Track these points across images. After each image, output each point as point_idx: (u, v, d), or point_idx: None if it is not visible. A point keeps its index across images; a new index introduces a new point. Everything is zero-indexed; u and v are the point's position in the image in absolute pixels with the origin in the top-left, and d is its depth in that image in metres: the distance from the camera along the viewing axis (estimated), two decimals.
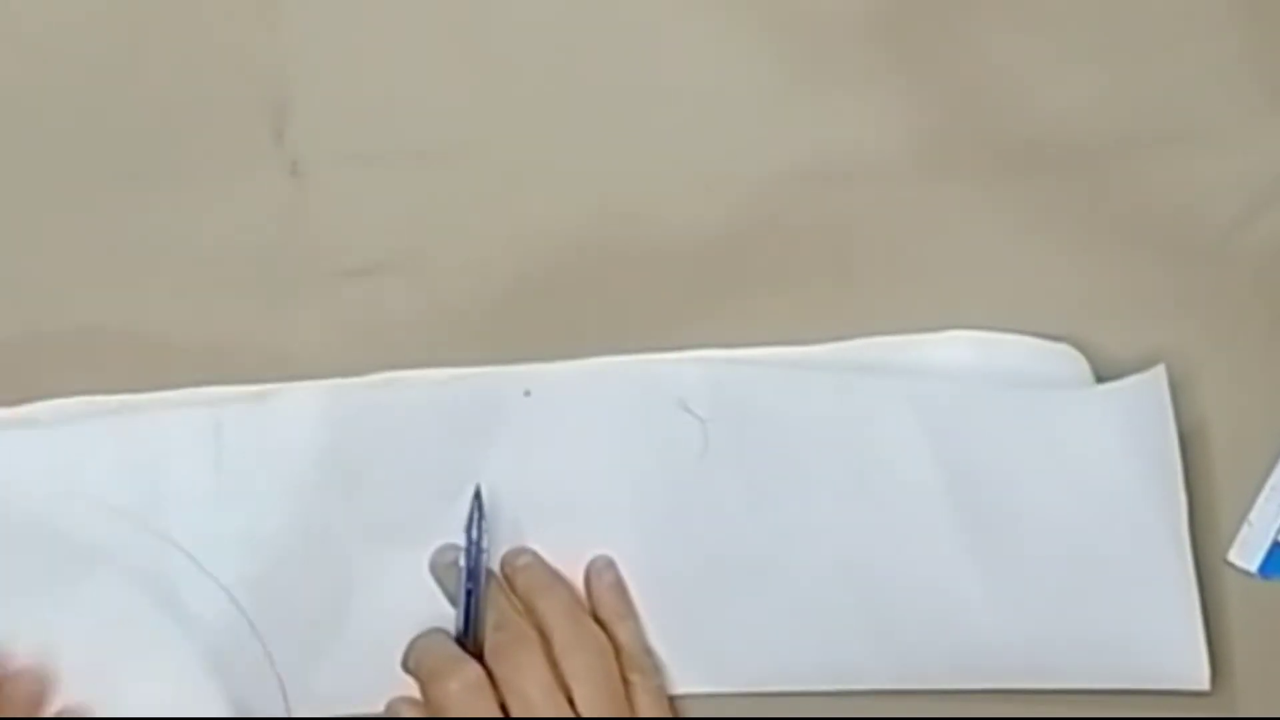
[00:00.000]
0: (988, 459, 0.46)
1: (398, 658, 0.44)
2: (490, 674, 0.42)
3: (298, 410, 0.47)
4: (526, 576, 0.45)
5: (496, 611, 0.44)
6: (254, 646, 0.45)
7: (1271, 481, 0.47)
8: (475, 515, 0.45)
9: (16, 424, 0.48)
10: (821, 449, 0.47)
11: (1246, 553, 0.46)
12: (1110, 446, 0.46)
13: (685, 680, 0.45)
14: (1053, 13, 0.52)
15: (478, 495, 0.45)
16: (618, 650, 0.44)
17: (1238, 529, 0.47)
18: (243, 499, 0.47)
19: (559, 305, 0.50)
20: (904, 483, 0.46)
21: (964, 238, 0.51)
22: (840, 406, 0.47)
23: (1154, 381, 0.46)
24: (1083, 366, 0.48)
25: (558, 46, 0.52)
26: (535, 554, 0.46)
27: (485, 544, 0.45)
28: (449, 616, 0.45)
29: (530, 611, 0.44)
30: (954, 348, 0.49)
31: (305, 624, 0.46)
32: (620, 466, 0.47)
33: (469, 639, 0.43)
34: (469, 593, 0.44)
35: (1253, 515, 0.47)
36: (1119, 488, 0.46)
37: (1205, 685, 0.44)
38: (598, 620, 0.45)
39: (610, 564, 0.46)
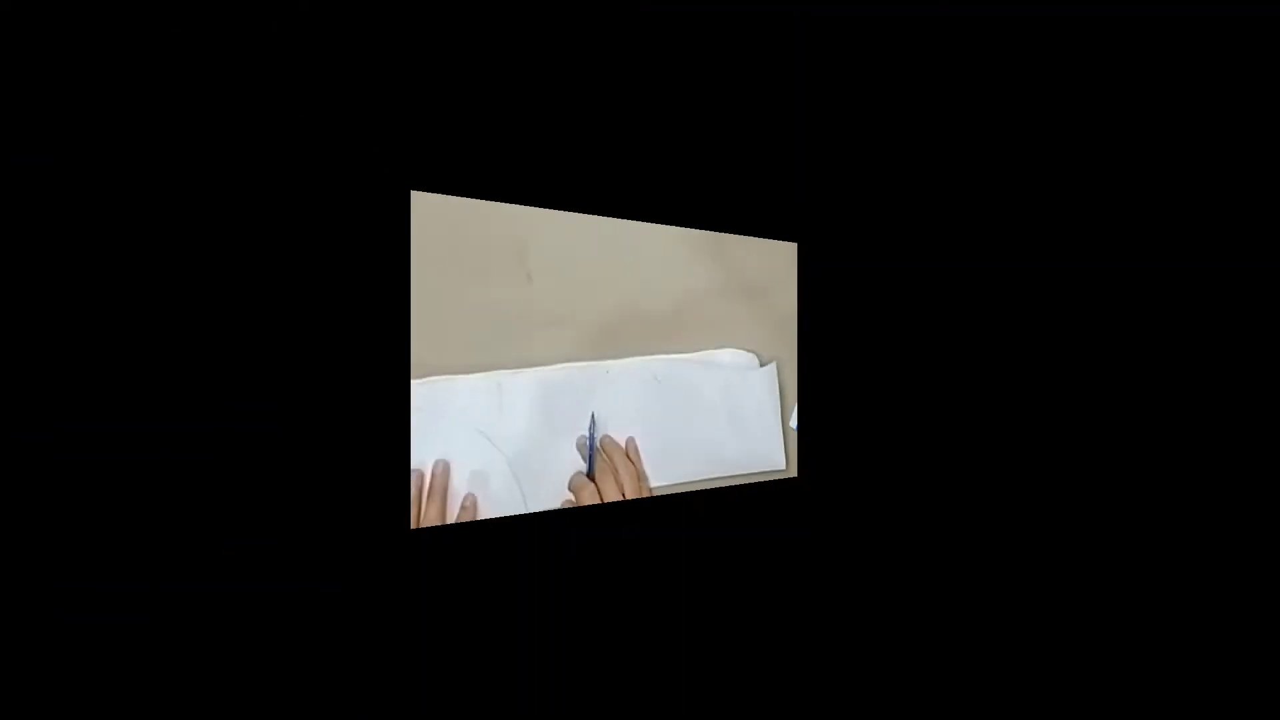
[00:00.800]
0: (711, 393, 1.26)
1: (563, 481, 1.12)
2: (595, 485, 1.12)
3: (525, 384, 1.07)
4: (609, 449, 1.14)
5: (599, 463, 1.13)
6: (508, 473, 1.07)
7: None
8: (591, 424, 1.11)
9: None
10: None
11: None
12: (761, 390, 1.28)
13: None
14: None
15: (593, 417, 1.12)
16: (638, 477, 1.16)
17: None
18: (512, 424, 1.07)
19: None
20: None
21: None
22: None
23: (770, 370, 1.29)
24: (753, 359, 1.28)
25: None
26: (613, 439, 1.14)
27: (595, 433, 1.12)
28: (581, 465, 1.11)
29: (610, 461, 1.14)
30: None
31: (532, 470, 1.09)
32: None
33: (589, 474, 1.12)
34: (590, 457, 1.11)
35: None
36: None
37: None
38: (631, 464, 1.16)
39: (634, 445, 1.17)
